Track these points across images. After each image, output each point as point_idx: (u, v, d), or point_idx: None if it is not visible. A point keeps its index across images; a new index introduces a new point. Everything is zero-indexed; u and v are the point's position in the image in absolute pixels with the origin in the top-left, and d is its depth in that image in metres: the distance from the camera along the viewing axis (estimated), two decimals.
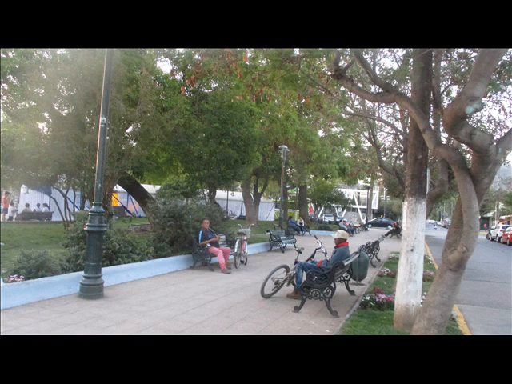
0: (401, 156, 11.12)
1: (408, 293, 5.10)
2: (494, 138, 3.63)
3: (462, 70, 6.81)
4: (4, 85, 11.69)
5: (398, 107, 9.18)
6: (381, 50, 6.90)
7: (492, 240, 33.94)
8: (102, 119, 6.37)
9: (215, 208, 12.15)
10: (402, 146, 9.52)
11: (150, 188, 21.64)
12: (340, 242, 6.86)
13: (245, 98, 13.75)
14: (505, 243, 29.37)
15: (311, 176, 30.28)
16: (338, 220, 42.57)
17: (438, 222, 73.82)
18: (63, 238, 8.82)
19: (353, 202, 55.01)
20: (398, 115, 9.81)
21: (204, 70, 9.87)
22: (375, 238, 15.01)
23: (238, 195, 31.49)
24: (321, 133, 24.40)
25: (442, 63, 7.11)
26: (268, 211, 40.79)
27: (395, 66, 9.02)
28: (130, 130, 12.83)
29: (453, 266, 3.81)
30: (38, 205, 21.23)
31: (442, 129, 7.10)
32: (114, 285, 7.05)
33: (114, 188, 13.35)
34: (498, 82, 6.18)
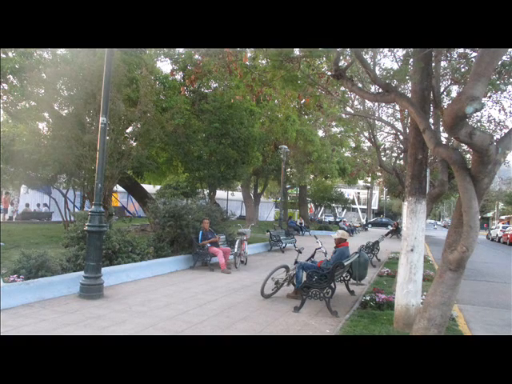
0: (401, 156, 11.14)
1: (408, 293, 5.10)
2: (494, 138, 3.63)
3: (462, 70, 6.81)
4: (4, 85, 11.68)
5: (398, 107, 9.19)
6: (381, 50, 6.91)
7: (492, 240, 33.93)
8: (101, 119, 6.37)
9: (215, 208, 12.15)
10: (402, 145, 9.52)
11: (150, 188, 21.63)
12: (340, 242, 6.87)
13: (245, 97, 13.76)
14: (505, 243, 29.34)
15: (311, 176, 30.26)
16: (338, 220, 42.58)
17: (438, 222, 73.71)
18: (63, 238, 8.82)
19: (353, 202, 54.94)
20: (398, 115, 9.81)
21: (204, 70, 9.88)
22: (375, 237, 15.01)
23: (238, 195, 31.47)
24: (321, 133, 24.39)
25: (442, 63, 7.11)
26: (268, 211, 40.80)
27: (395, 66, 9.01)
28: (130, 129, 12.83)
29: (453, 265, 3.81)
30: (38, 205, 21.23)
31: (442, 129, 7.10)
32: (114, 285, 7.04)
33: (114, 188, 13.34)
34: (498, 82, 6.18)
